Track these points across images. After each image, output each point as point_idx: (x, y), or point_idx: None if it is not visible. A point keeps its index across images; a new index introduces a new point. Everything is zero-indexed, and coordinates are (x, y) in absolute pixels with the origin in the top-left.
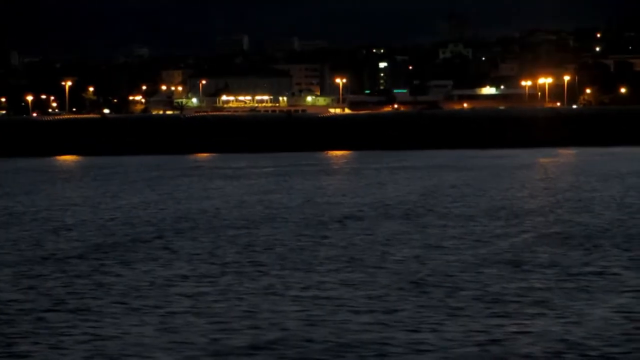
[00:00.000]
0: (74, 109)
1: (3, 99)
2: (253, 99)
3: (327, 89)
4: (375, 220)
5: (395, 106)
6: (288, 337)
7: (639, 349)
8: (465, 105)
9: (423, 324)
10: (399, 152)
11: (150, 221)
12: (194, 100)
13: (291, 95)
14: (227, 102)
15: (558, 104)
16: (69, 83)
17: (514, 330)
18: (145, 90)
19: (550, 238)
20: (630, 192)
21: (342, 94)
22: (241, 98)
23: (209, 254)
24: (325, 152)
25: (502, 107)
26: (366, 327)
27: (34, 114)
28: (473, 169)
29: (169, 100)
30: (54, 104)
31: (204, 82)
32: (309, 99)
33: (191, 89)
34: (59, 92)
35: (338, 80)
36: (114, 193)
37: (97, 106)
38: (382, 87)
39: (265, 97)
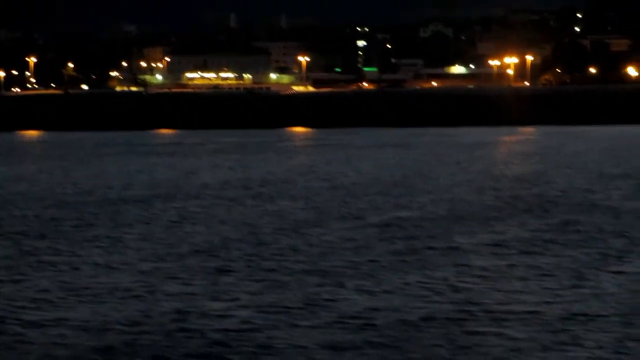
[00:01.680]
0: (52, 85)
1: None
2: (218, 76)
3: (307, 67)
4: (208, 199)
5: (365, 84)
6: None
7: None
8: (434, 83)
9: None
10: (358, 129)
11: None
12: (158, 77)
13: (268, 73)
14: (192, 79)
15: (527, 83)
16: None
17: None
18: (126, 67)
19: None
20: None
21: (307, 72)
22: (206, 75)
23: None
24: (286, 128)
25: (471, 86)
26: None
27: (16, 89)
28: (414, 147)
29: (133, 77)
30: (33, 80)
31: (170, 59)
32: (273, 76)
33: (172, 66)
34: (38, 67)
35: (301, 58)
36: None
37: (76, 82)
38: (359, 66)
39: (230, 75)
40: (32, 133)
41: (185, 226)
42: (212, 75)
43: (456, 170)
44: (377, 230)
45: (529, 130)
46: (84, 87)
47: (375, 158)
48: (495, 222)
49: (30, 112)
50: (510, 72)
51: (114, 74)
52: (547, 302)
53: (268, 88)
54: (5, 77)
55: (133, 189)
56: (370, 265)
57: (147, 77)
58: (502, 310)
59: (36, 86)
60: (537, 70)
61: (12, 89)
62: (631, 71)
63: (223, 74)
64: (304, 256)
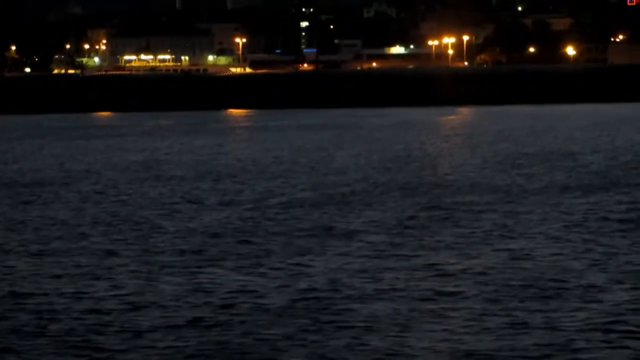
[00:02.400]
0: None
1: None
2: (155, 59)
3: (248, 48)
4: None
5: (305, 65)
6: None
7: None
8: (374, 64)
9: None
10: (295, 110)
11: None
12: (96, 59)
13: (207, 55)
14: (130, 61)
15: (466, 63)
16: None
17: None
18: (69, 49)
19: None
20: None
21: (247, 54)
22: (144, 57)
23: None
24: (224, 110)
25: (410, 66)
26: None
27: None
28: (335, 128)
29: (70, 59)
30: None
31: (112, 41)
32: (210, 58)
33: (113, 48)
34: None
35: (238, 40)
36: None
37: (19, 65)
38: (303, 47)
39: (167, 57)
40: None
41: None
42: (150, 57)
43: (359, 152)
44: (247, 213)
45: (465, 110)
46: (27, 70)
47: (284, 140)
48: (366, 205)
49: None
50: (450, 52)
51: (57, 57)
52: (414, 280)
53: (205, 70)
54: None
55: (40, 172)
56: (233, 248)
57: (85, 60)
58: (370, 289)
59: None
60: (476, 50)
61: None
62: (570, 50)
63: (161, 56)
64: (178, 238)
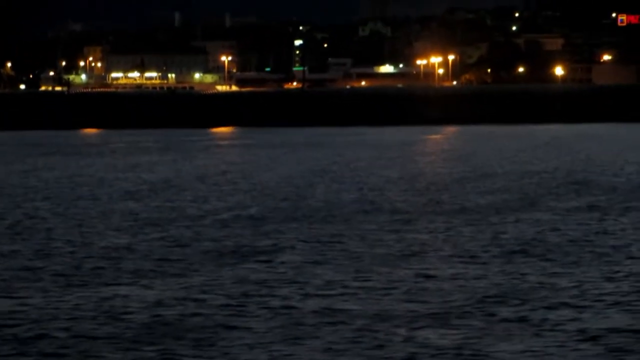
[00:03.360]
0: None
1: None
2: (142, 76)
3: (240, 66)
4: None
5: (294, 84)
6: None
7: None
8: (363, 83)
9: None
10: (279, 128)
11: None
12: (83, 76)
13: (194, 73)
14: (116, 79)
15: (455, 82)
16: None
17: None
18: (65, 66)
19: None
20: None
21: (237, 72)
22: (131, 75)
23: None
24: (209, 128)
25: (400, 85)
26: None
27: None
28: (302, 146)
29: (58, 76)
30: None
31: (108, 58)
32: (197, 75)
33: (109, 65)
34: None
35: (223, 58)
36: None
37: (14, 82)
38: (298, 65)
39: (154, 74)
40: None
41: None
42: (137, 74)
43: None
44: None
45: (451, 129)
46: (22, 87)
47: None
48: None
49: None
50: (440, 71)
51: (45, 74)
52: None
53: (192, 87)
54: None
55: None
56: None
57: (72, 77)
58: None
59: None
60: (465, 69)
61: None
62: (558, 71)
63: (148, 74)
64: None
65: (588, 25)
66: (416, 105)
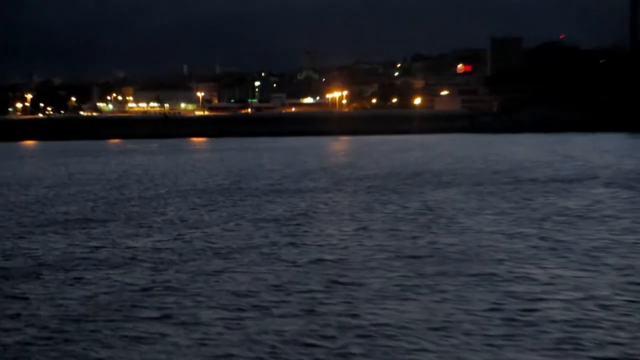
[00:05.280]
0: (62, 112)
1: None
2: (147, 105)
3: (219, 98)
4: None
5: (249, 110)
6: None
7: None
8: (293, 109)
9: None
10: (233, 138)
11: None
12: (110, 106)
13: (187, 103)
14: (131, 107)
15: (349, 109)
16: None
17: None
18: (94, 99)
19: None
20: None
21: (204, 102)
22: (143, 105)
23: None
24: (189, 138)
25: (315, 110)
26: None
27: (41, 115)
28: (236, 150)
29: (94, 106)
30: (49, 109)
31: (135, 95)
32: (182, 105)
33: (136, 99)
34: (56, 102)
35: (199, 94)
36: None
37: (76, 110)
38: (254, 99)
39: (155, 104)
40: (31, 142)
41: None
42: (143, 104)
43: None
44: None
45: (345, 138)
46: (82, 113)
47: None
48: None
49: (30, 128)
50: (344, 101)
51: (85, 104)
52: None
53: (179, 113)
54: (31, 106)
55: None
56: None
57: (102, 106)
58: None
59: (51, 112)
60: (360, 100)
61: (40, 114)
62: (417, 101)
63: (152, 103)
64: None
65: (440, 72)
66: (324, 123)
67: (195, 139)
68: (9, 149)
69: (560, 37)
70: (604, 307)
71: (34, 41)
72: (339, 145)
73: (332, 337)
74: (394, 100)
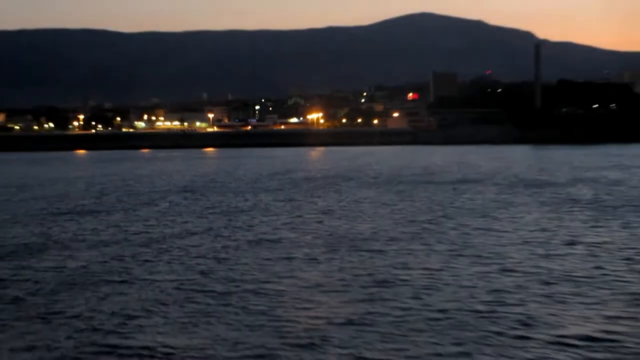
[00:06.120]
0: (108, 128)
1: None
2: (170, 123)
3: (229, 118)
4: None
5: (249, 127)
6: None
7: None
8: (282, 127)
9: None
10: (237, 149)
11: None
12: (142, 124)
13: (200, 122)
14: (158, 125)
15: (324, 127)
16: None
17: None
18: (143, 120)
19: None
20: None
21: (214, 121)
22: (167, 123)
23: None
24: (202, 149)
25: (300, 128)
26: None
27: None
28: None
29: (132, 124)
30: (99, 126)
31: (165, 116)
32: (197, 123)
33: (165, 119)
34: (105, 121)
35: (210, 115)
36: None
37: (119, 127)
38: (254, 118)
39: (177, 123)
40: (82, 152)
41: None
42: (168, 123)
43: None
44: None
45: (320, 148)
46: (123, 129)
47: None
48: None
49: (83, 140)
50: (322, 121)
51: (136, 123)
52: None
53: (195, 129)
54: (85, 124)
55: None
56: None
57: (137, 124)
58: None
59: (100, 128)
60: (333, 121)
61: (93, 130)
62: (375, 121)
63: (175, 122)
64: None
65: (396, 99)
66: (305, 137)
67: (207, 149)
68: (66, 156)
69: (487, 72)
70: None
71: (90, 75)
72: (314, 153)
73: None
74: (359, 120)
